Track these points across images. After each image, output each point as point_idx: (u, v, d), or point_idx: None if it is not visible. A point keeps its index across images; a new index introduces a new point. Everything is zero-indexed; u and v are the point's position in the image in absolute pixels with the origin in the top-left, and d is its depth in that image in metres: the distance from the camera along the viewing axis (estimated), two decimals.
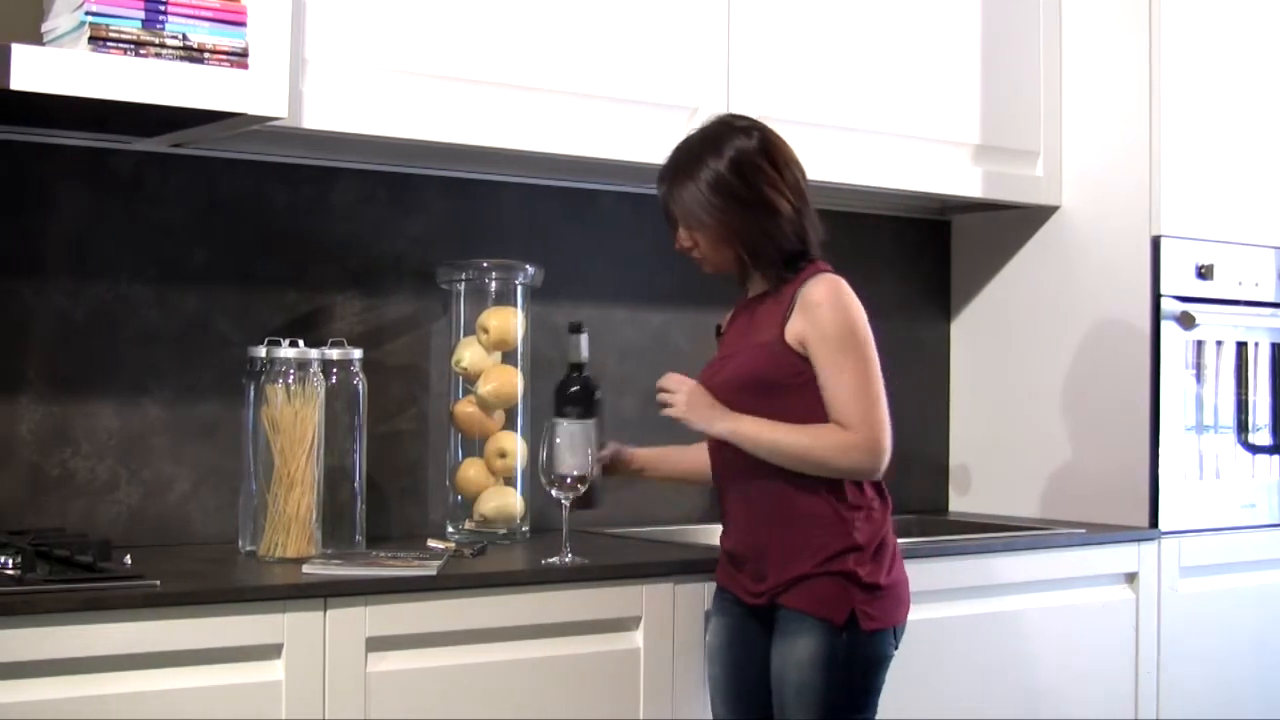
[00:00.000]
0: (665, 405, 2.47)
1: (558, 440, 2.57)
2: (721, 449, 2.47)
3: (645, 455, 2.66)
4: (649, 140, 2.86)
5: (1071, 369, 3.40)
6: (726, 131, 2.40)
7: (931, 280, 3.64)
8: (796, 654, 2.35)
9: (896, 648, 2.40)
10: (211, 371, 2.76)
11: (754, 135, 2.39)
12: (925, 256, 3.64)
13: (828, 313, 2.34)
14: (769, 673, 2.40)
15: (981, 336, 3.58)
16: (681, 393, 2.45)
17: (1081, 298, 3.39)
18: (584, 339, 2.63)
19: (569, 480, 2.58)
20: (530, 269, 2.93)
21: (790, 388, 2.36)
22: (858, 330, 2.35)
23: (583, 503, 2.59)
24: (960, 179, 3.31)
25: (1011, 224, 3.53)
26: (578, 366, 2.64)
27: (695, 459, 2.59)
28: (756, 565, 2.40)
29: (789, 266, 2.39)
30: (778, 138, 2.43)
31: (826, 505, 2.36)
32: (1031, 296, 3.49)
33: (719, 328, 2.59)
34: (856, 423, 2.33)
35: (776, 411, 2.38)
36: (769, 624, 2.40)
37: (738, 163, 2.36)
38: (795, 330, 2.36)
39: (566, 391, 2.62)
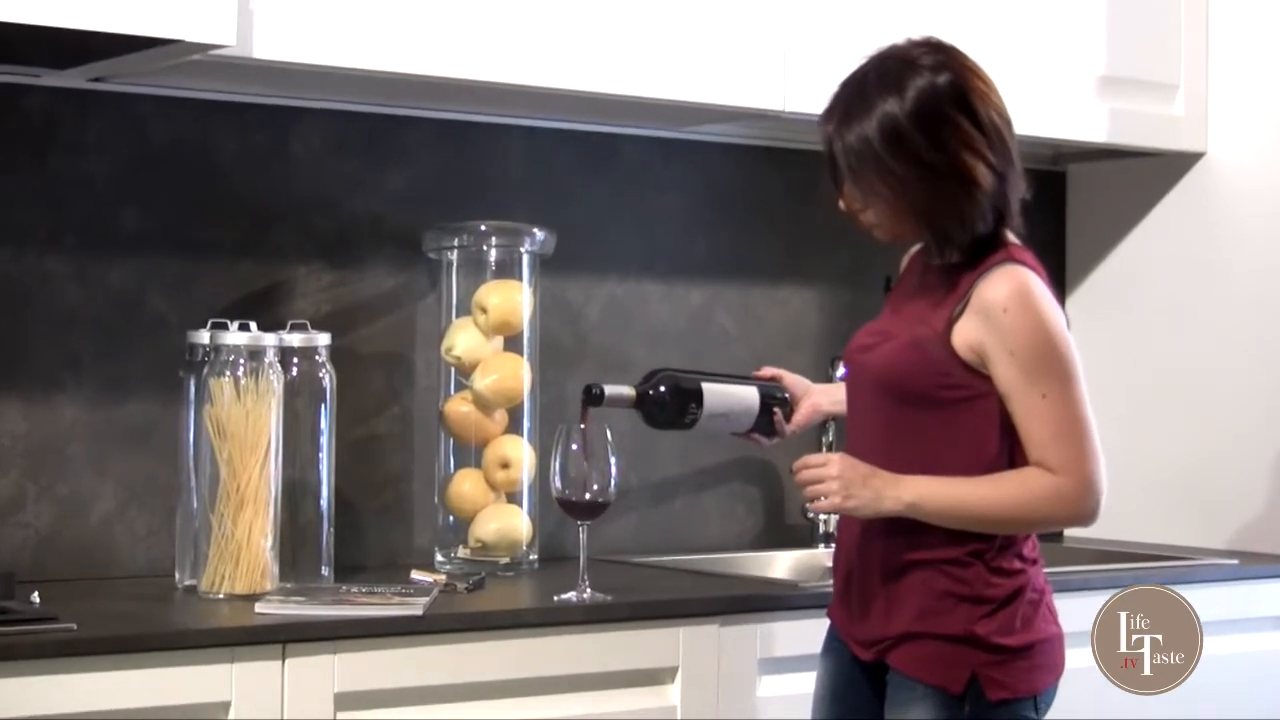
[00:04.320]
0: (814, 497, 2.35)
1: (574, 446, 2.57)
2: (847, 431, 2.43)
3: (822, 389, 2.76)
4: (685, 74, 2.84)
5: (1217, 357, 3.38)
6: (906, 66, 2.30)
7: (1042, 246, 3.57)
8: None
9: (1040, 718, 2.34)
10: (143, 362, 2.76)
11: (943, 73, 2.29)
12: (1034, 216, 3.58)
13: (1017, 321, 2.26)
14: None
15: (1103, 316, 3.56)
16: (832, 469, 2.33)
17: (1231, 268, 3.36)
18: (609, 390, 2.62)
19: (588, 497, 2.58)
20: (539, 234, 2.93)
21: (936, 403, 2.31)
22: (1057, 344, 2.28)
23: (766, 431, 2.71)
24: (1078, 119, 3.28)
25: (1143, 175, 3.50)
26: (643, 396, 2.64)
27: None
28: (863, 607, 2.38)
29: (976, 250, 2.31)
30: (976, 73, 2.32)
31: (952, 546, 2.31)
32: (1167, 266, 3.47)
33: (888, 280, 2.52)
34: (1066, 463, 2.28)
35: (913, 429, 2.33)
36: (880, 685, 2.38)
37: (921, 113, 2.26)
38: (967, 336, 2.29)
39: (661, 410, 2.64)
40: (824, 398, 2.75)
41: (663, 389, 2.66)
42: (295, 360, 2.68)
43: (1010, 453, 2.31)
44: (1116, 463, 3.66)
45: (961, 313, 2.29)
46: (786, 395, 2.74)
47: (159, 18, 2.31)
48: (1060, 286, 3.57)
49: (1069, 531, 3.50)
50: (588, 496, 2.59)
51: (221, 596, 2.52)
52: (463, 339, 2.89)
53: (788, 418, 2.73)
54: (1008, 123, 2.33)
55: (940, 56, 2.31)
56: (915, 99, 2.27)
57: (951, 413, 2.31)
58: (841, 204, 2.37)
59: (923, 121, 2.27)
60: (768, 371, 2.78)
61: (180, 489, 2.63)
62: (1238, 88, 3.37)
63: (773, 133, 3.23)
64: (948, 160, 2.27)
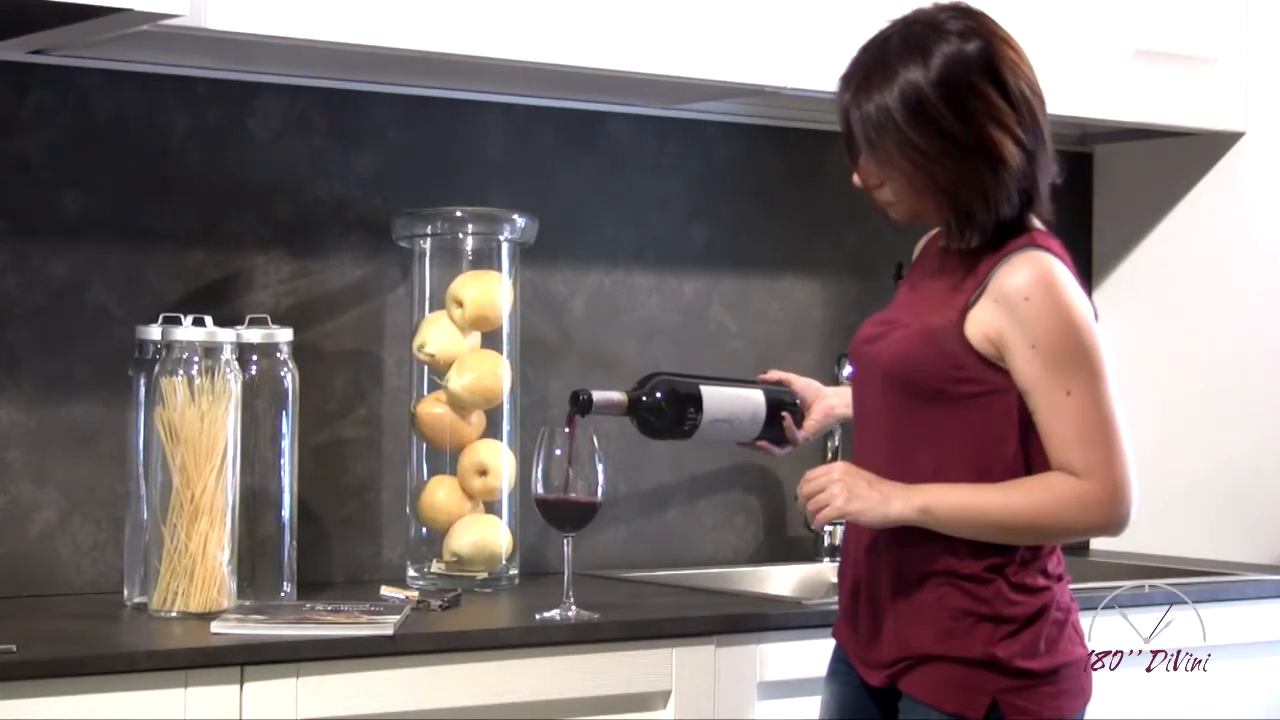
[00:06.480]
0: (817, 509, 2.33)
1: (557, 451, 2.58)
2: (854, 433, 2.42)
3: (835, 391, 2.77)
4: (678, 47, 2.85)
5: (1257, 352, 3.39)
6: (932, 31, 2.30)
7: (1067, 232, 3.58)
8: None
9: None
10: (87, 360, 2.76)
11: (972, 40, 2.30)
12: (1058, 201, 3.61)
13: (1039, 311, 2.27)
14: None
15: (1133, 308, 3.56)
16: (833, 477, 2.33)
17: (1271, 256, 3.38)
18: (598, 397, 2.62)
19: (572, 506, 2.60)
20: (519, 220, 2.93)
21: (949, 398, 2.30)
22: (1083, 336, 2.28)
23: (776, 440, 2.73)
24: (1106, 95, 3.29)
25: (1176, 156, 3.51)
26: (635, 401, 2.65)
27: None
28: (872, 626, 2.38)
29: (999, 235, 2.32)
30: (1007, 42, 2.32)
31: (970, 560, 2.31)
32: (1202, 255, 3.48)
33: (900, 266, 2.52)
34: (1093, 467, 2.27)
35: (924, 427, 2.32)
36: (891, 711, 2.38)
37: (947, 82, 2.27)
38: (983, 325, 2.29)
39: (656, 417, 2.65)
40: (838, 399, 2.74)
41: (658, 394, 2.65)
42: (254, 358, 2.68)
43: (1031, 455, 2.31)
44: (1148, 466, 3.68)
45: (978, 299, 2.30)
46: (796, 400, 2.75)
47: None
48: (1087, 276, 3.57)
49: (1096, 543, 3.52)
50: (572, 505, 2.59)
51: (174, 615, 2.51)
52: (436, 335, 2.89)
53: (799, 423, 2.73)
54: (1039, 97, 2.33)
55: (969, 22, 2.32)
56: (941, 67, 2.28)
57: (966, 410, 2.30)
58: (856, 179, 2.38)
59: (948, 91, 2.27)
60: (774, 375, 2.78)
61: (129, 498, 2.63)
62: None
63: (774, 111, 3.24)
64: (974, 135, 2.28)
